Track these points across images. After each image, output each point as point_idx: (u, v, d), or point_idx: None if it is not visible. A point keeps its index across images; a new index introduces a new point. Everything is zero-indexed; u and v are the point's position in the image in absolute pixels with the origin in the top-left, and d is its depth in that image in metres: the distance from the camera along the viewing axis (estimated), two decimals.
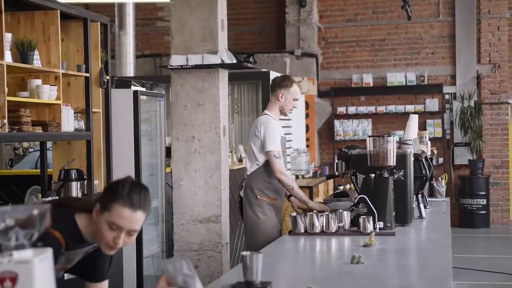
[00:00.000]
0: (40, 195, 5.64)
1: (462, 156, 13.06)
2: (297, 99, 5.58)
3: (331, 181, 11.82)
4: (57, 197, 5.32)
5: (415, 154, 5.07)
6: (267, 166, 5.37)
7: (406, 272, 3.37)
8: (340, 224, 4.40)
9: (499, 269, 9.04)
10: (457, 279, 8.28)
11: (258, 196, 5.41)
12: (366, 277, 3.14)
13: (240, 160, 8.81)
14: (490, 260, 10.02)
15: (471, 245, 11.33)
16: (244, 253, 2.80)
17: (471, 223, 12.68)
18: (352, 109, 13.38)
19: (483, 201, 12.71)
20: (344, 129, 13.42)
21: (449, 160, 13.20)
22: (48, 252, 1.83)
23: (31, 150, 9.15)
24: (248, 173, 5.51)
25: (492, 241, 11.99)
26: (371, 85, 13.36)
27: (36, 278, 1.76)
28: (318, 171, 11.28)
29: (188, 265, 2.62)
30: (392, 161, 4.49)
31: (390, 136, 4.54)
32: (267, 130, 5.34)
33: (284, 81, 5.54)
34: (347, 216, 4.46)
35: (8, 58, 4.91)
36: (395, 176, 4.57)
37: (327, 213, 4.44)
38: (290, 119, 10.92)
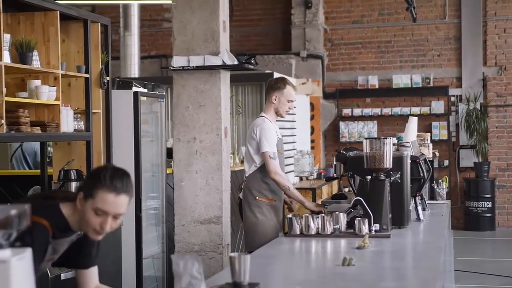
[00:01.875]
0: None
1: (468, 159, 13.03)
2: (291, 101, 5.60)
3: (335, 183, 11.80)
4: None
5: (412, 157, 5.06)
6: (265, 168, 5.41)
7: (396, 274, 3.37)
8: (336, 226, 4.40)
9: (503, 272, 9.00)
10: (460, 282, 8.26)
11: (257, 197, 5.46)
12: (355, 279, 3.14)
13: (242, 162, 8.81)
14: (495, 263, 9.99)
15: (476, 248, 11.29)
16: (232, 254, 2.82)
17: (476, 226, 12.64)
18: (357, 111, 13.36)
19: (488, 204, 12.67)
20: (350, 131, 13.41)
21: (455, 163, 13.16)
22: (27, 252, 1.84)
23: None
24: (246, 175, 5.57)
25: (497, 244, 11.95)
26: (377, 87, 13.35)
27: (13, 277, 1.77)
28: (323, 173, 11.27)
29: (198, 267, 2.63)
30: (388, 163, 4.49)
31: (386, 138, 4.54)
32: (262, 132, 5.41)
33: (277, 83, 5.60)
34: (343, 218, 4.46)
35: (6, 58, 4.94)
36: (392, 178, 4.57)
37: (323, 215, 4.44)
38: (295, 121, 10.94)
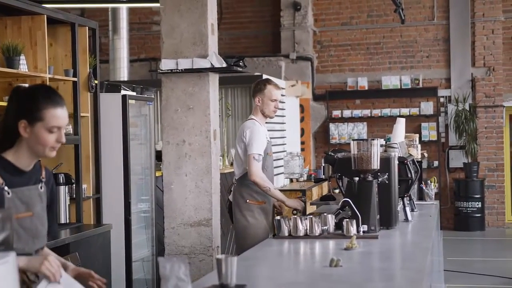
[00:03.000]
0: None
1: (457, 159, 13.07)
2: (275, 100, 5.64)
3: (325, 184, 11.83)
4: None
5: (400, 158, 5.07)
6: None
7: (382, 275, 3.38)
8: (325, 227, 4.40)
9: (493, 272, 9.05)
10: (450, 282, 8.29)
11: (247, 200, 5.49)
12: (342, 280, 3.15)
13: (232, 164, 8.82)
14: (485, 263, 10.02)
15: (466, 248, 11.33)
16: (219, 256, 2.83)
17: (466, 226, 12.68)
18: (347, 113, 13.39)
19: (478, 204, 12.72)
20: (340, 133, 13.43)
21: (444, 163, 13.21)
22: (10, 256, 1.84)
23: None
24: (236, 178, 5.61)
25: (487, 244, 11.99)
26: (366, 88, 13.39)
27: None
28: (313, 175, 11.28)
29: (185, 270, 2.64)
30: (376, 164, 4.50)
31: (374, 139, 4.55)
32: (252, 134, 5.47)
33: (258, 86, 5.69)
34: (331, 220, 4.46)
35: None
36: (379, 179, 4.58)
37: (311, 216, 4.44)
38: (284, 123, 10.96)
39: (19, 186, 2.82)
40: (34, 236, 2.84)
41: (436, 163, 13.02)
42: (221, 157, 7.85)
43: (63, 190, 5.64)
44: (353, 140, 4.59)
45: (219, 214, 6.18)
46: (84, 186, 5.96)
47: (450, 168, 13.20)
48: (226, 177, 7.94)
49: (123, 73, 10.87)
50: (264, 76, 10.47)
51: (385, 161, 4.66)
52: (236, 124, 10.41)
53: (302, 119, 12.83)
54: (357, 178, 4.51)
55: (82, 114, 6.06)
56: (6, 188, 2.76)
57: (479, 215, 12.75)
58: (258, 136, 5.45)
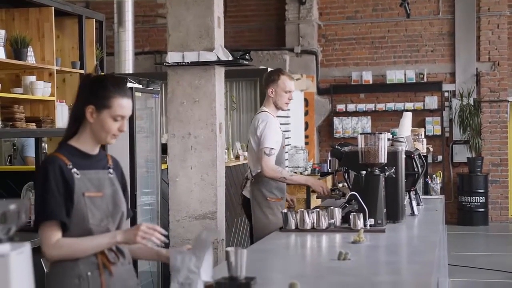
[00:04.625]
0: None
1: (461, 154, 13.07)
2: (289, 91, 5.47)
3: (329, 178, 11.84)
4: None
5: (407, 152, 5.07)
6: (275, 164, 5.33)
7: (391, 268, 3.39)
8: (331, 220, 4.41)
9: (497, 267, 9.05)
10: (454, 276, 8.30)
11: (268, 198, 5.35)
12: (351, 273, 3.15)
13: (237, 157, 8.83)
14: (488, 257, 10.03)
15: (469, 243, 11.34)
16: (228, 249, 2.83)
17: (469, 221, 12.69)
18: (351, 107, 13.39)
19: (481, 199, 12.72)
20: (344, 127, 13.44)
21: (448, 158, 13.21)
22: (26, 247, 1.85)
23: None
24: (253, 174, 5.42)
25: (490, 238, 12.00)
26: (371, 82, 13.38)
27: (12, 272, 1.78)
28: (317, 168, 11.28)
29: (196, 262, 2.66)
30: (383, 158, 4.50)
31: (381, 133, 4.55)
32: (265, 128, 5.31)
33: (271, 76, 5.51)
34: (338, 213, 4.47)
35: (1, 54, 4.94)
36: (386, 173, 4.58)
37: (318, 210, 4.44)
38: (289, 116, 10.95)
39: (88, 169, 2.96)
40: (107, 215, 2.96)
41: (440, 158, 13.01)
42: (226, 151, 7.85)
43: None
44: (361, 134, 4.59)
45: (224, 207, 6.19)
46: None
47: (454, 163, 13.20)
48: (231, 170, 7.95)
49: (128, 66, 10.85)
50: (270, 69, 10.49)
51: (392, 155, 4.65)
52: (240, 118, 10.42)
53: (306, 113, 12.83)
54: (364, 172, 4.51)
55: None
56: (74, 169, 2.90)
57: (482, 209, 12.76)
58: (272, 130, 5.30)
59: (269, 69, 10.44)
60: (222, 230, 6.09)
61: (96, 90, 2.95)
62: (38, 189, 2.90)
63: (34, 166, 6.25)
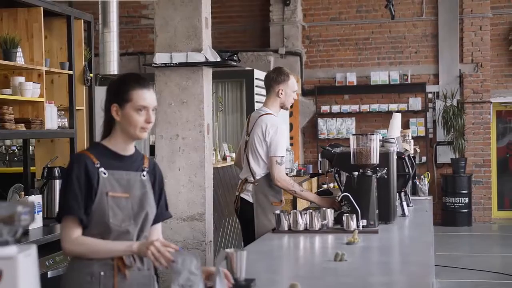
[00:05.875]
0: (23, 193, 5.59)
1: (445, 155, 13.14)
2: (295, 91, 5.29)
3: (314, 180, 11.86)
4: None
5: (398, 153, 5.08)
6: None
7: (389, 269, 3.39)
8: (324, 222, 4.41)
9: (481, 267, 9.11)
10: (439, 277, 8.33)
11: (272, 203, 5.16)
12: (349, 274, 3.15)
13: (224, 158, 8.81)
14: (472, 258, 10.09)
15: (453, 243, 11.39)
16: (229, 250, 2.82)
17: (453, 222, 12.76)
18: (336, 108, 13.42)
19: (465, 200, 12.80)
20: (328, 128, 13.46)
21: (432, 159, 13.27)
22: (32, 249, 1.83)
23: (14, 148, 9.10)
24: (256, 177, 5.18)
25: (474, 239, 12.07)
26: (355, 84, 13.42)
27: (20, 274, 1.76)
28: (302, 170, 11.31)
29: (197, 264, 2.64)
30: (375, 159, 4.51)
31: (373, 134, 4.55)
32: (276, 135, 5.08)
33: (281, 76, 5.22)
34: (330, 214, 4.47)
35: None
36: (378, 174, 4.59)
37: (311, 211, 4.44)
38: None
39: (117, 170, 2.98)
40: (130, 216, 2.98)
41: (424, 159, 13.08)
42: (213, 152, 7.83)
43: (58, 184, 5.59)
44: (353, 134, 4.59)
45: (212, 208, 6.18)
46: None
47: (438, 164, 13.28)
48: (218, 171, 7.93)
49: (113, 67, 10.79)
50: (256, 71, 10.50)
51: (384, 156, 4.67)
52: (226, 119, 10.40)
53: (290, 114, 12.84)
54: (356, 173, 4.51)
55: (77, 108, 6.02)
56: (102, 169, 2.94)
57: (466, 210, 12.84)
58: (282, 137, 5.07)
59: (255, 70, 10.48)
60: (210, 231, 6.08)
61: (116, 89, 3.02)
62: (62, 184, 2.97)
63: (21, 168, 6.20)
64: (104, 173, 2.94)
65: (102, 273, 2.91)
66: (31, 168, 6.06)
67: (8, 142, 9.15)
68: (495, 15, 13.22)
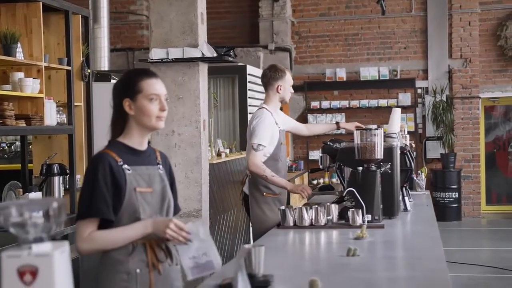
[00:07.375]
0: (21, 190, 5.55)
1: (434, 150, 13.19)
2: (292, 84, 5.62)
3: (305, 175, 11.86)
4: None
5: (401, 147, 5.09)
6: (270, 161, 5.30)
7: (402, 264, 3.39)
8: (329, 217, 4.40)
9: (471, 261, 9.18)
10: None
11: (264, 193, 5.33)
12: (364, 269, 3.15)
13: (219, 155, 8.78)
14: (462, 252, 10.14)
15: (444, 238, 11.22)
16: (247, 246, 2.80)
17: (443, 216, 12.78)
18: (325, 104, 13.42)
19: (455, 195, 12.85)
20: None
21: (422, 154, 13.32)
22: (66, 246, 1.81)
23: (3, 145, 9.02)
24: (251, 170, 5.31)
25: (464, 233, 12.13)
26: (345, 79, 13.42)
27: (56, 271, 1.74)
28: (294, 165, 11.31)
29: (204, 230, 2.64)
30: (379, 154, 4.51)
31: (377, 129, 4.55)
32: (258, 124, 5.29)
33: (278, 73, 5.49)
34: (335, 209, 4.46)
35: None
36: (382, 169, 4.59)
37: (316, 206, 4.43)
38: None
39: (137, 165, 2.97)
40: (156, 211, 2.97)
41: (414, 154, 13.09)
42: (208, 148, 7.80)
43: (57, 181, 5.56)
44: (357, 129, 4.59)
45: (208, 204, 6.16)
46: (78, 176, 5.87)
47: (427, 159, 13.32)
48: (214, 167, 7.90)
49: (104, 63, 10.71)
50: (249, 67, 10.47)
51: (388, 151, 4.67)
52: (219, 115, 10.37)
53: (280, 110, 12.81)
54: (360, 168, 4.51)
55: (75, 104, 5.97)
56: (125, 166, 2.93)
57: (456, 205, 12.89)
58: (264, 126, 5.27)
59: (247, 66, 10.45)
60: (206, 227, 6.06)
61: (125, 84, 3.02)
62: (85, 185, 2.91)
63: (13, 166, 6.15)
64: (128, 170, 2.93)
65: (138, 271, 2.89)
66: (29, 165, 6.01)
67: (10, 138, 9.05)
68: (483, 11, 13.27)
